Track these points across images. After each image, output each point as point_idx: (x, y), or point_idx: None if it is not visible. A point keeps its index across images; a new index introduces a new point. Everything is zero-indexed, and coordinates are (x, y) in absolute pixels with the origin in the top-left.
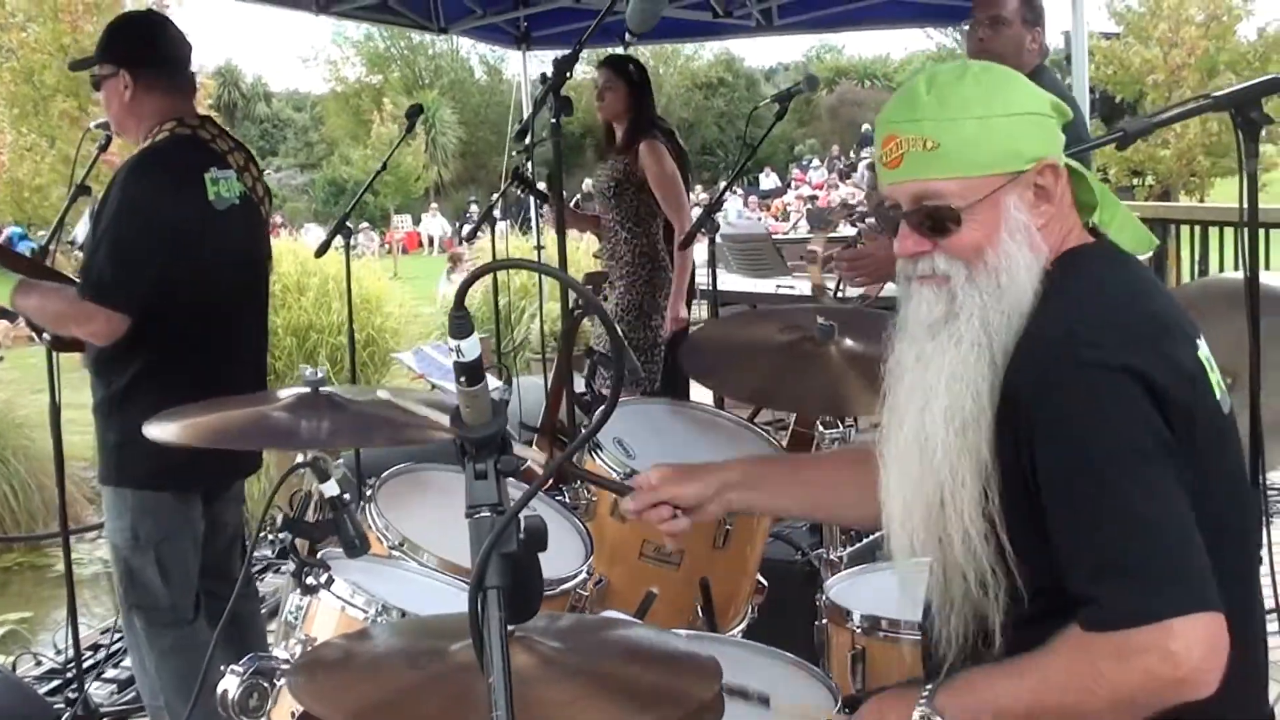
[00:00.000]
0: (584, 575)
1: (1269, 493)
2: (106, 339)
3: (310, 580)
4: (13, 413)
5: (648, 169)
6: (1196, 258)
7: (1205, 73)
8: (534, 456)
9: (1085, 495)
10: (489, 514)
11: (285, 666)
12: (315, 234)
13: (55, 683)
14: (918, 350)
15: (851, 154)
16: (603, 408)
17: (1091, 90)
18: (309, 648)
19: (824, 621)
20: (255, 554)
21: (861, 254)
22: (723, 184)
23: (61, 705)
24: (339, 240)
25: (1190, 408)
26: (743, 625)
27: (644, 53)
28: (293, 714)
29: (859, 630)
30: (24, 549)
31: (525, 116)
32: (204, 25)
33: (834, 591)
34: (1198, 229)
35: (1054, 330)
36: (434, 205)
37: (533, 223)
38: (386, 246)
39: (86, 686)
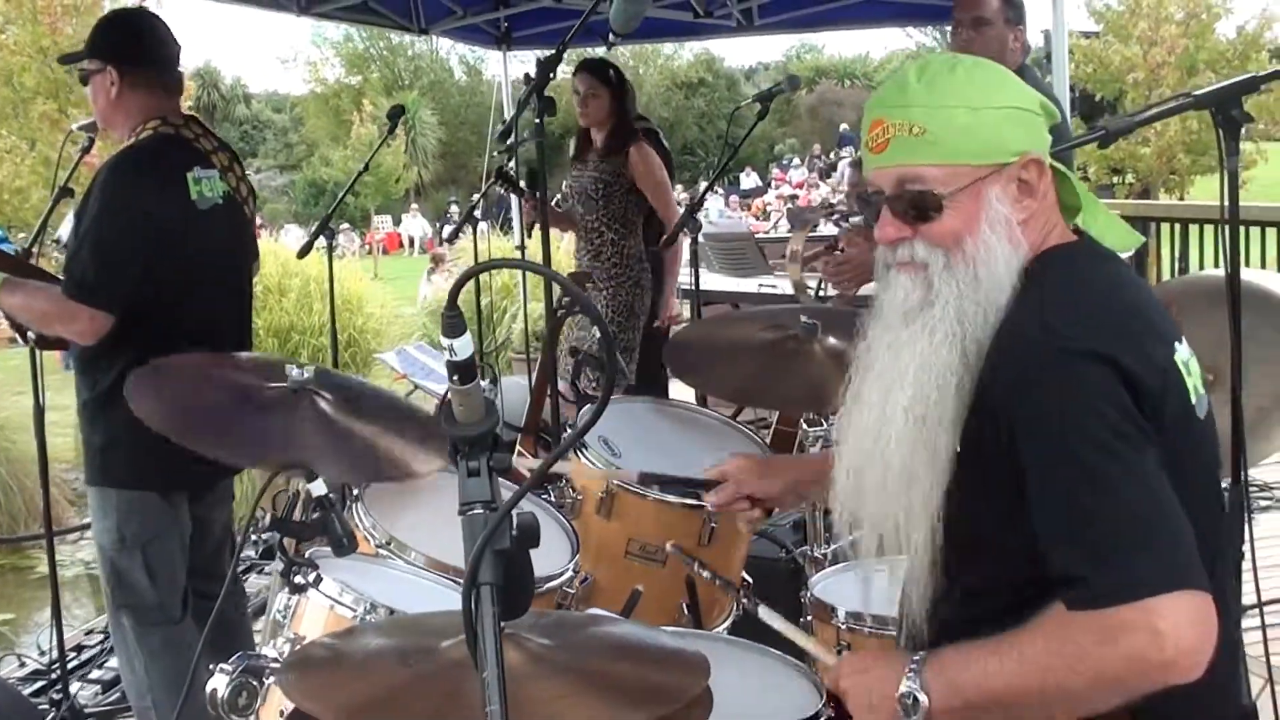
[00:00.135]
0: (570, 573)
1: (1250, 489)
2: (91, 338)
3: (298, 579)
4: None
5: (640, 173)
6: (1177, 255)
7: (1185, 71)
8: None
9: (1069, 479)
10: (482, 511)
11: (274, 665)
12: (295, 235)
13: (40, 684)
14: (891, 337)
15: (832, 154)
16: (595, 406)
17: (1071, 89)
18: (298, 646)
19: (809, 618)
20: (242, 554)
21: (844, 259)
22: (704, 184)
23: (46, 706)
24: (321, 241)
25: (1160, 405)
26: (728, 623)
27: (624, 52)
28: (281, 712)
29: (843, 626)
30: (6, 551)
31: (506, 117)
32: (182, 26)
33: (818, 588)
34: (1178, 227)
35: (1031, 324)
36: (414, 206)
37: (514, 223)
38: (367, 247)
39: (71, 688)
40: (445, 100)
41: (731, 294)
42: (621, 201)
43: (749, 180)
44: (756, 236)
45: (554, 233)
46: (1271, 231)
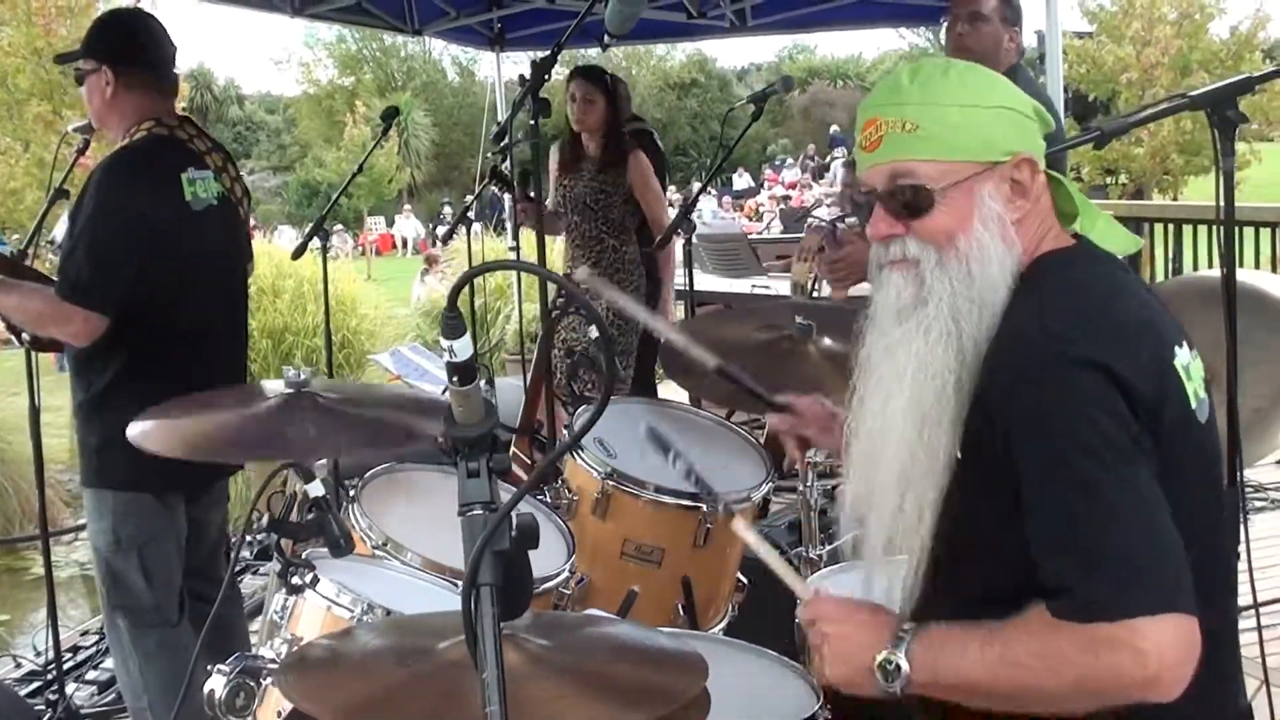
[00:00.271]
0: (566, 574)
1: (1246, 490)
2: (85, 339)
3: (295, 580)
4: None
5: (638, 183)
6: (1171, 256)
7: (1178, 71)
8: None
9: (1062, 487)
10: (482, 512)
11: (272, 666)
12: (289, 236)
13: (36, 684)
14: (886, 340)
15: (823, 156)
16: (593, 407)
17: (1065, 89)
18: (295, 647)
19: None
20: (236, 555)
21: (839, 256)
22: (697, 185)
23: (42, 707)
24: (315, 242)
25: (1157, 411)
26: (724, 623)
27: (616, 53)
28: (279, 713)
29: None
30: (1, 552)
31: (499, 118)
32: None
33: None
34: (1172, 227)
35: (1030, 327)
36: (407, 207)
37: (508, 224)
38: (360, 248)
39: (67, 688)
40: (438, 101)
41: (725, 295)
42: (619, 210)
43: (742, 181)
44: (750, 237)
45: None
46: (1266, 232)
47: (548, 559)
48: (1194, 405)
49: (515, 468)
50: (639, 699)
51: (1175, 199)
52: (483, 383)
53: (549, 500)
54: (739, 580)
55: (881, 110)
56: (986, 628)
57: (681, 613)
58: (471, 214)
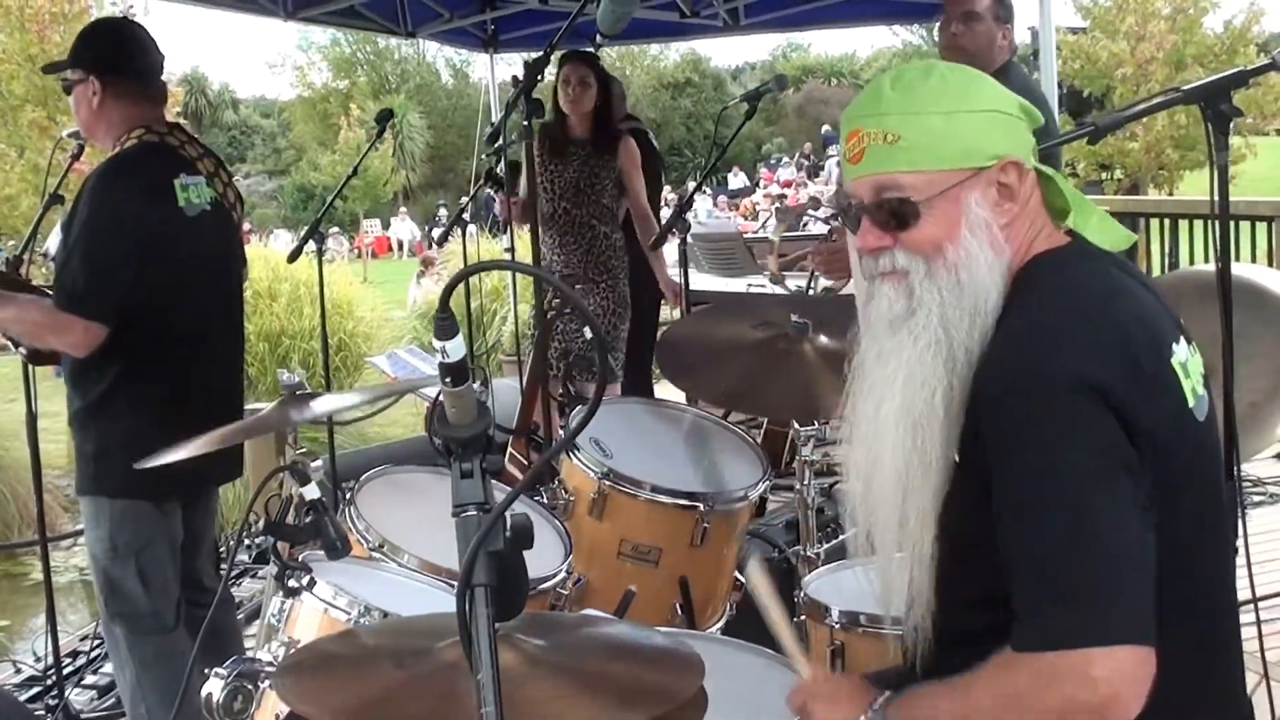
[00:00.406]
0: (563, 574)
1: (1244, 484)
2: (85, 350)
3: (292, 583)
4: None
5: (628, 167)
6: (1167, 251)
7: (1173, 66)
8: None
9: (1032, 512)
10: (475, 513)
11: (269, 669)
12: (284, 240)
13: (35, 690)
14: (879, 348)
15: (818, 155)
16: (586, 408)
17: (1059, 85)
18: (292, 650)
19: (802, 618)
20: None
21: (836, 249)
22: (692, 184)
23: (42, 712)
24: (311, 246)
25: (1151, 422)
26: (721, 622)
27: (610, 53)
28: (277, 716)
29: (837, 625)
30: (1, 557)
31: (494, 119)
32: (170, 33)
33: (812, 588)
34: (1167, 222)
35: (1017, 338)
36: (403, 209)
37: (502, 224)
38: (356, 251)
39: (67, 693)
40: (433, 103)
41: (720, 294)
42: (610, 196)
43: (737, 180)
44: (745, 236)
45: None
46: (1261, 226)
47: (544, 559)
48: (1192, 404)
49: (512, 468)
50: (636, 699)
51: (1171, 194)
52: (478, 384)
53: (546, 500)
54: (736, 579)
55: (863, 121)
56: (957, 680)
57: (679, 612)
58: (467, 216)
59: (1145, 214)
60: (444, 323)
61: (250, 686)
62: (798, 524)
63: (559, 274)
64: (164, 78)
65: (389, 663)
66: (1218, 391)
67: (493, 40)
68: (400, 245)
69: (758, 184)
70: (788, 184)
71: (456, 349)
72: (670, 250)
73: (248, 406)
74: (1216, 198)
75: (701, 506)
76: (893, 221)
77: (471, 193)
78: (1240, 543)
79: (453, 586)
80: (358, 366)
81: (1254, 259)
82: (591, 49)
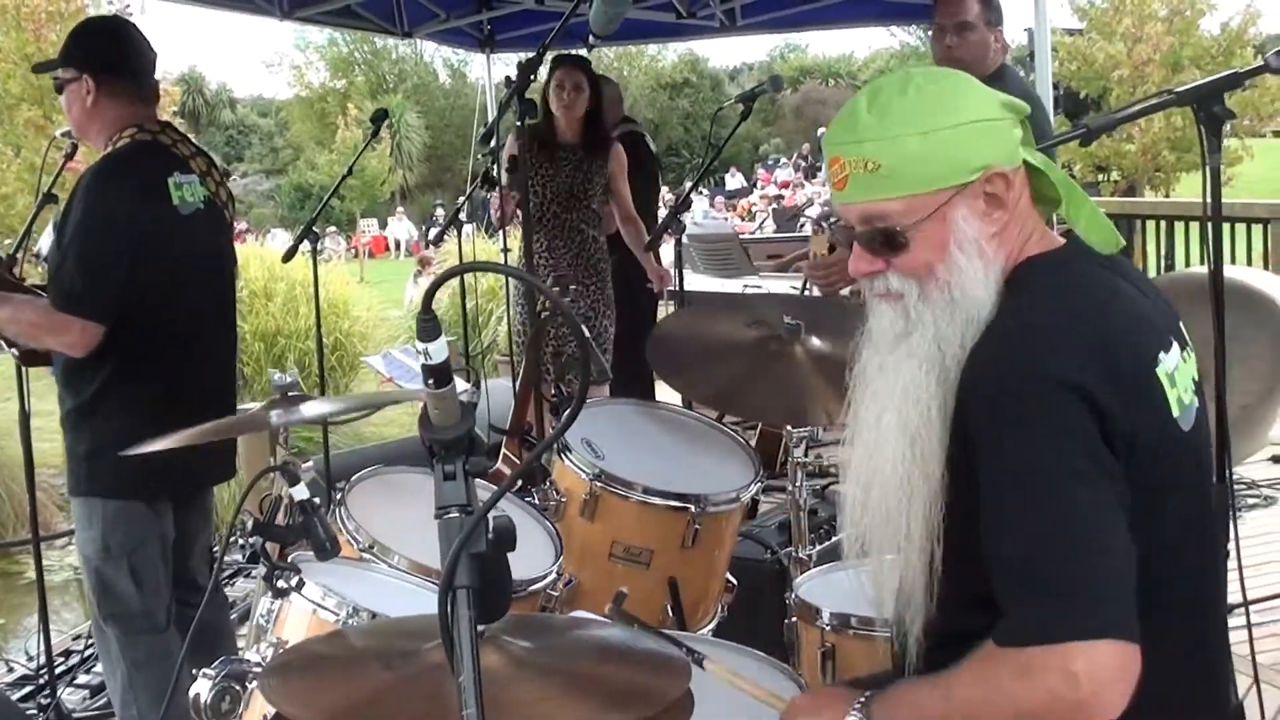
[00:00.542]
0: (554, 576)
1: (1239, 487)
2: (82, 350)
3: (281, 584)
4: None
5: (618, 172)
6: (1162, 253)
7: (1170, 68)
8: None
9: (1014, 508)
10: (458, 515)
11: (257, 669)
12: (281, 239)
13: (28, 689)
14: (880, 360)
15: (815, 155)
16: (569, 408)
17: (1056, 86)
18: (280, 651)
19: (793, 619)
20: (224, 559)
21: (832, 260)
22: (688, 185)
23: (34, 711)
24: (306, 245)
25: (1131, 430)
26: (713, 624)
27: (608, 53)
28: (265, 717)
29: (828, 627)
30: None
31: (490, 119)
32: (167, 32)
33: (803, 589)
34: (1163, 224)
35: (1005, 339)
36: (400, 209)
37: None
38: (353, 250)
39: (59, 693)
40: (430, 103)
41: (716, 295)
42: (599, 200)
43: (734, 181)
44: (741, 237)
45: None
46: (1257, 228)
47: (535, 561)
48: (1176, 413)
49: (505, 469)
50: (622, 700)
51: (1167, 196)
52: (469, 385)
53: (537, 502)
54: (728, 581)
55: (843, 149)
56: (939, 676)
57: (670, 614)
58: (463, 216)
59: (1141, 216)
60: (427, 324)
61: (238, 687)
62: (790, 526)
63: (551, 276)
64: (160, 77)
65: (376, 664)
66: (1209, 394)
67: (489, 40)
68: (397, 245)
69: (755, 185)
70: (785, 185)
71: (439, 350)
72: (666, 251)
73: (240, 406)
74: (1209, 200)
75: (693, 508)
76: (883, 248)
77: (468, 192)
78: (1231, 546)
79: None
80: (353, 366)
81: (1249, 261)
82: (584, 51)
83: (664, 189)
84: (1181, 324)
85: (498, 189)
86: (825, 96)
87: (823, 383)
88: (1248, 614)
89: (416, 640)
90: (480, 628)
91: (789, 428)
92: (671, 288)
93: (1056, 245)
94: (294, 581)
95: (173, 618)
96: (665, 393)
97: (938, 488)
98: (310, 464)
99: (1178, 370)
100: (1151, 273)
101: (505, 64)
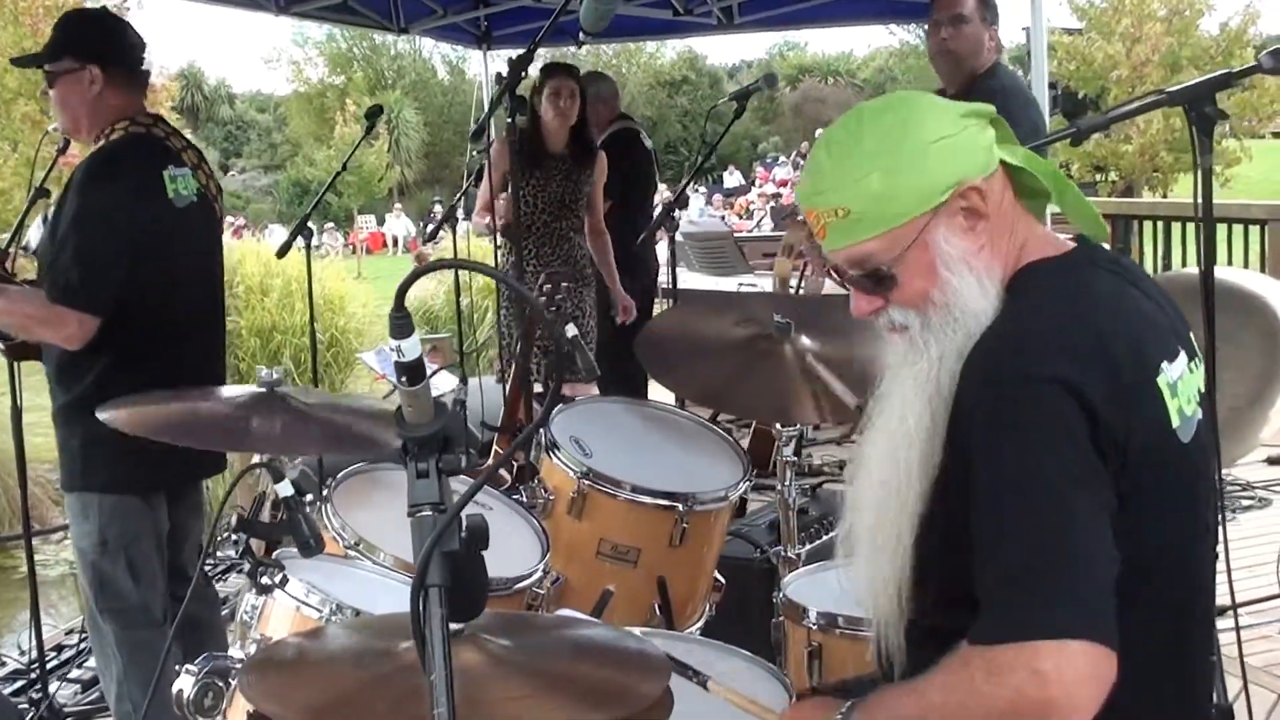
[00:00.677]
0: (540, 573)
1: (1234, 488)
2: (79, 342)
3: (265, 580)
4: None
5: (599, 179)
6: (1159, 253)
7: (1168, 68)
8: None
9: (996, 507)
10: (430, 513)
11: (239, 666)
12: (279, 235)
13: (19, 683)
14: (892, 374)
15: None
16: (545, 404)
17: (1054, 86)
18: (263, 647)
19: (781, 619)
20: (218, 555)
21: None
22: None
23: (26, 705)
24: (300, 241)
25: (1128, 431)
26: (701, 623)
27: (608, 51)
28: (249, 713)
29: (815, 627)
30: None
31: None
32: (166, 27)
33: (791, 589)
34: (1160, 224)
35: (1004, 341)
36: (398, 205)
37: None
38: (351, 247)
39: (51, 687)
40: (429, 100)
41: (711, 293)
42: (584, 208)
43: (732, 179)
44: (737, 235)
45: None
46: (1255, 230)
47: (522, 558)
48: (1176, 424)
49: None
50: (600, 700)
51: (1165, 196)
52: (457, 381)
53: (525, 499)
54: (717, 580)
55: (812, 201)
56: (917, 679)
57: (658, 612)
58: (459, 213)
59: (1139, 216)
60: (399, 322)
61: (221, 683)
62: (779, 525)
63: (543, 273)
64: (158, 72)
65: (356, 661)
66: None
67: (486, 37)
68: (395, 241)
69: (753, 183)
70: (783, 183)
71: (412, 348)
72: (661, 248)
73: None
74: (1200, 200)
75: (680, 507)
76: (876, 287)
77: (463, 189)
78: (1220, 549)
79: None
80: (349, 363)
81: (1246, 263)
82: (576, 48)
83: (663, 187)
84: (1192, 335)
85: (487, 185)
86: (824, 94)
87: (812, 380)
88: (1236, 617)
89: (398, 637)
90: (459, 625)
91: (778, 426)
92: (665, 286)
93: (1062, 249)
94: (278, 578)
95: (168, 612)
96: (657, 392)
97: (923, 488)
98: (299, 459)
99: (1181, 381)
100: (1149, 273)
101: (502, 60)
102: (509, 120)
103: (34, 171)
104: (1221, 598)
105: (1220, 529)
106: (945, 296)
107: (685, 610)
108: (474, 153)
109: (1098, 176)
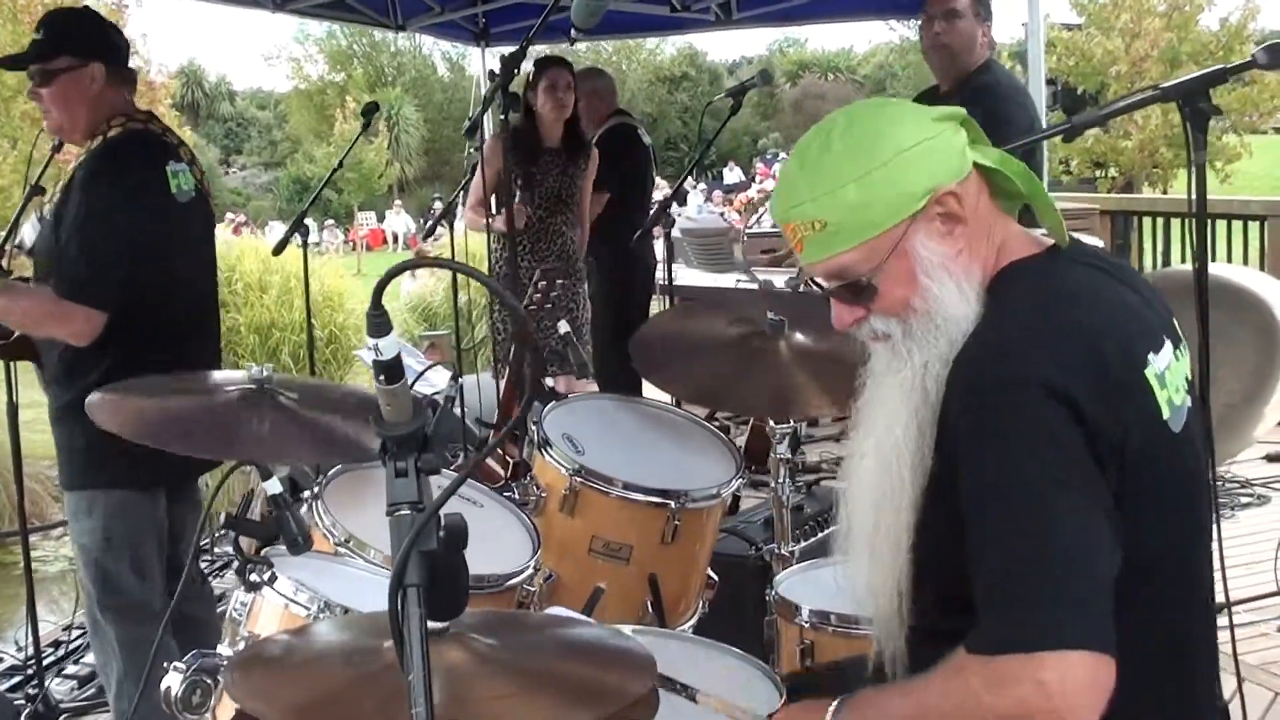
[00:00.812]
0: (531, 570)
1: (1231, 485)
2: (87, 338)
3: (254, 577)
4: None
5: (592, 173)
6: (1159, 249)
7: (1168, 64)
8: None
9: (992, 515)
10: (409, 512)
11: (226, 663)
12: (279, 232)
13: (16, 679)
14: (873, 393)
15: None
16: (523, 404)
17: (1054, 82)
18: (249, 645)
19: (774, 616)
20: (215, 551)
21: None
22: (688, 179)
23: (22, 701)
24: (297, 238)
25: (1118, 438)
26: (693, 620)
27: (607, 47)
28: (238, 710)
29: (807, 625)
30: None
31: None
32: (166, 25)
33: (784, 586)
34: (1160, 221)
35: (989, 346)
36: (398, 202)
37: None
38: (351, 244)
39: (47, 683)
40: (428, 96)
41: (709, 289)
42: (579, 202)
43: (732, 175)
44: (738, 229)
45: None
46: (1254, 226)
47: (513, 555)
48: (1167, 415)
49: (491, 462)
50: (584, 698)
51: (1165, 192)
52: (449, 379)
53: (517, 496)
54: (709, 577)
55: (788, 215)
56: (910, 682)
57: (650, 610)
58: (458, 211)
59: (1138, 212)
60: (377, 320)
61: (209, 681)
62: (773, 522)
63: (539, 269)
64: (158, 69)
65: (343, 659)
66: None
67: (484, 34)
68: (395, 238)
69: (753, 179)
70: None
71: (390, 346)
72: (658, 244)
73: None
74: (1194, 196)
75: (673, 504)
76: (856, 298)
77: (462, 185)
78: (1215, 546)
79: None
80: (348, 359)
81: (1246, 259)
82: (568, 44)
83: (664, 183)
84: (1175, 321)
85: (479, 182)
86: (824, 91)
87: (806, 377)
88: (1230, 615)
89: (385, 636)
90: (443, 625)
91: (771, 423)
92: (662, 282)
93: (1041, 247)
94: (266, 575)
95: (169, 608)
96: (654, 390)
97: (915, 493)
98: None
99: (1169, 370)
100: (1147, 269)
101: (501, 58)
102: (502, 117)
103: (29, 167)
104: (1217, 595)
105: (1215, 527)
106: (926, 303)
107: (678, 607)
108: (471, 149)
109: (1097, 172)
